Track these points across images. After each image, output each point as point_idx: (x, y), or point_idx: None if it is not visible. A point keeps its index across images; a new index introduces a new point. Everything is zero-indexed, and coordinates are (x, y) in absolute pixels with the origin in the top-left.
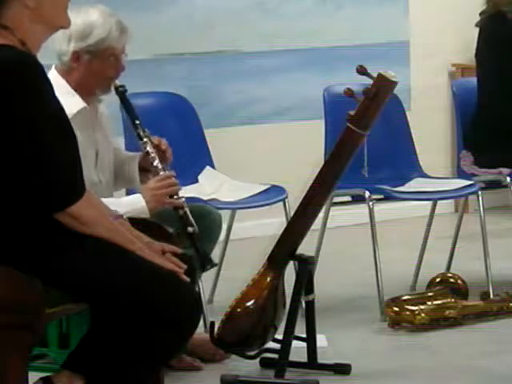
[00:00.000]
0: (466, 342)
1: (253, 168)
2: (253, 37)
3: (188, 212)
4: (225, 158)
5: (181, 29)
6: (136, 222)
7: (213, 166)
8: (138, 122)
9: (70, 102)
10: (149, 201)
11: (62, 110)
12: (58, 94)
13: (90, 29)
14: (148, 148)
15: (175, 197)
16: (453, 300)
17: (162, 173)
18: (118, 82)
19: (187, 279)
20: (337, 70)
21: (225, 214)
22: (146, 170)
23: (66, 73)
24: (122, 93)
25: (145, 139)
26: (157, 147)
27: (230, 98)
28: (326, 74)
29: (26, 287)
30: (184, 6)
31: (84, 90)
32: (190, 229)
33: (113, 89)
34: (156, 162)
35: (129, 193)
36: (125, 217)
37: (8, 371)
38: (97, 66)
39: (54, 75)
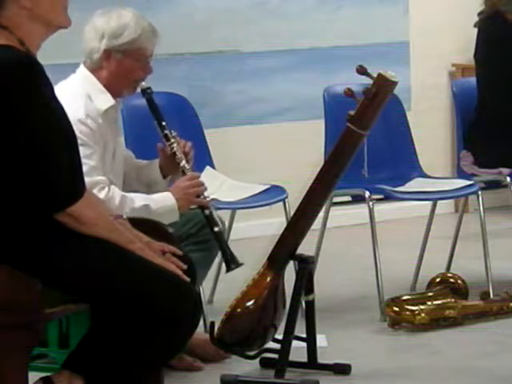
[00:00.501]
0: (466, 342)
1: (253, 168)
2: (253, 37)
3: (213, 212)
4: (225, 158)
5: (181, 29)
6: (136, 222)
7: (213, 166)
8: (164, 123)
9: (102, 98)
10: (179, 199)
11: (62, 109)
12: (89, 89)
13: (123, 29)
14: (175, 149)
15: (201, 197)
16: (453, 300)
17: (189, 173)
18: (144, 84)
19: (187, 279)
20: (337, 69)
21: (225, 214)
22: (167, 175)
23: (94, 71)
24: (149, 94)
25: (172, 140)
26: (183, 148)
27: (230, 98)
28: (326, 74)
29: (26, 287)
30: (184, 6)
31: (112, 88)
32: (215, 228)
33: (139, 90)
34: (183, 163)
35: None
36: (158, 211)
37: (8, 371)
38: (127, 66)
39: (83, 72)
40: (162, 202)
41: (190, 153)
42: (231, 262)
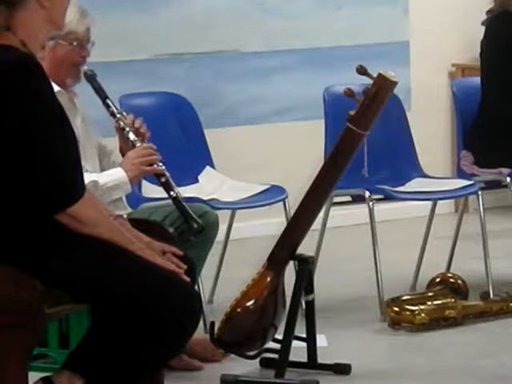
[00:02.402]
0: (466, 341)
1: (253, 168)
2: (253, 37)
3: (170, 179)
4: (225, 158)
5: (181, 29)
6: (136, 222)
7: (213, 166)
8: (108, 101)
9: None
10: (129, 170)
11: (61, 110)
12: None
13: None
14: (122, 124)
15: (155, 165)
16: (453, 300)
17: (138, 144)
18: (86, 68)
19: (187, 279)
20: (337, 70)
21: (225, 214)
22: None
23: None
24: (90, 76)
25: (118, 115)
26: (132, 124)
27: (230, 98)
28: (326, 74)
29: (26, 287)
30: (184, 6)
31: (54, 78)
32: (172, 193)
33: (83, 76)
34: (132, 136)
35: (130, 203)
36: (107, 185)
37: (8, 371)
38: (60, 52)
39: None
40: (110, 176)
41: (141, 127)
42: (193, 224)
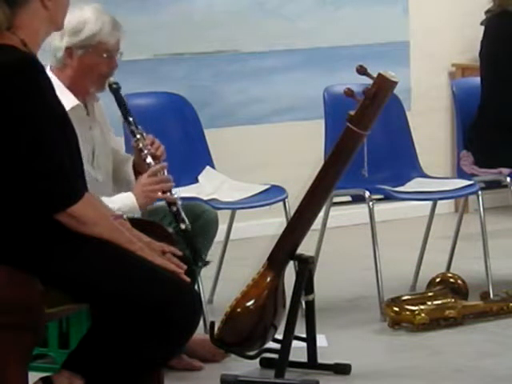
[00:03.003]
0: (466, 342)
1: (253, 168)
2: (253, 37)
3: (181, 209)
4: (225, 158)
5: (181, 29)
6: (136, 222)
7: (213, 166)
8: (131, 119)
9: (64, 100)
10: (139, 196)
11: (63, 109)
12: None
13: (83, 24)
14: (141, 145)
15: (168, 194)
16: (453, 300)
17: (152, 168)
18: (112, 79)
19: (187, 279)
20: (337, 70)
21: (225, 214)
22: (141, 172)
23: (59, 70)
24: (115, 90)
25: (138, 136)
26: (150, 145)
27: (230, 98)
28: (326, 74)
29: (26, 287)
30: (184, 6)
31: (78, 86)
32: (182, 225)
33: (107, 87)
34: (149, 160)
35: None
36: (124, 216)
37: (8, 371)
38: (89, 62)
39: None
40: (121, 202)
41: (157, 150)
42: (198, 260)
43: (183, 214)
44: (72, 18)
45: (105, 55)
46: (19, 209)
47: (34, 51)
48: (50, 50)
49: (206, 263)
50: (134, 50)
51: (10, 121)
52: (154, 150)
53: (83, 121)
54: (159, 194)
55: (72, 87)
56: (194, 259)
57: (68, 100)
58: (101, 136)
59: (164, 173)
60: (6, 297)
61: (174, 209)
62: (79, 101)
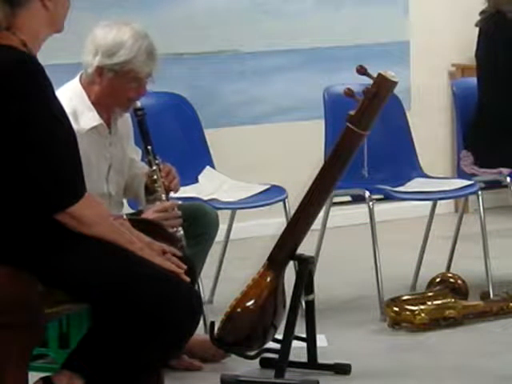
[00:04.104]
0: (466, 341)
1: (253, 168)
2: (253, 37)
3: (185, 247)
4: (225, 158)
5: (181, 29)
6: (136, 222)
7: (213, 166)
8: (150, 147)
9: (87, 116)
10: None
11: (62, 110)
12: (76, 106)
13: (118, 48)
14: (155, 176)
15: (175, 229)
16: (453, 300)
17: (164, 203)
18: (138, 104)
19: (187, 279)
20: (337, 70)
21: (225, 214)
22: (151, 191)
23: (87, 84)
24: (140, 116)
25: (154, 167)
26: (165, 176)
27: (230, 98)
28: (326, 74)
29: (26, 287)
30: (184, 6)
31: (103, 105)
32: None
33: (132, 111)
34: (160, 192)
35: (130, 202)
36: (124, 216)
37: (8, 371)
38: (118, 86)
39: (75, 86)
40: None
41: (173, 181)
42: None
43: (186, 250)
44: (109, 37)
45: (134, 81)
46: (19, 209)
47: (34, 52)
48: (83, 61)
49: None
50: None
51: (9, 121)
52: (168, 182)
53: (103, 139)
54: None
55: (97, 104)
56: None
57: (90, 118)
58: (121, 151)
59: (174, 209)
60: (6, 297)
61: (179, 246)
62: (102, 118)
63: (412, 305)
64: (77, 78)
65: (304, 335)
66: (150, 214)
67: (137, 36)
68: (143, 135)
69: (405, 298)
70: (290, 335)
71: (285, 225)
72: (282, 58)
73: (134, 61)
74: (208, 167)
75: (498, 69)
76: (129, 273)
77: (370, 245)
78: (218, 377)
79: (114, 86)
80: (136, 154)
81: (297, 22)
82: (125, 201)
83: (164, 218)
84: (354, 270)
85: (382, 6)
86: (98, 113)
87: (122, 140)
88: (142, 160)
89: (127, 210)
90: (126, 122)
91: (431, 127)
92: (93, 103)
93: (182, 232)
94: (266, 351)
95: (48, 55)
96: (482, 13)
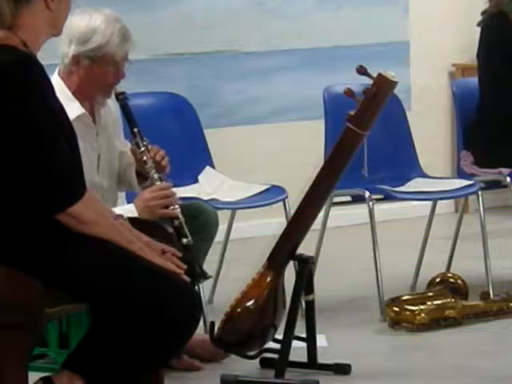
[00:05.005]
0: (466, 341)
1: (253, 168)
2: (253, 37)
3: (183, 223)
4: (225, 158)
5: (181, 29)
6: (136, 222)
7: (213, 166)
8: (136, 130)
9: (70, 107)
10: (141, 211)
11: (62, 110)
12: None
13: (91, 34)
14: (145, 158)
15: (171, 207)
16: (453, 300)
17: (157, 183)
18: (119, 89)
19: (187, 279)
20: (337, 70)
21: (225, 214)
22: (143, 176)
23: (66, 76)
24: (122, 100)
25: (142, 148)
26: (153, 157)
27: (230, 98)
28: (326, 74)
29: (26, 287)
30: (184, 6)
31: (84, 94)
32: (184, 240)
33: (114, 96)
34: (152, 172)
35: (128, 195)
36: (124, 216)
37: (8, 371)
38: (96, 72)
39: (55, 78)
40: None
41: (162, 161)
42: (200, 277)
43: (186, 229)
44: (81, 24)
45: (111, 67)
46: (19, 209)
47: (34, 52)
48: (60, 54)
49: (208, 277)
50: (134, 50)
51: (9, 121)
52: (160, 158)
53: (89, 129)
54: (161, 210)
55: (78, 94)
56: (194, 276)
57: (73, 108)
58: (107, 142)
59: (169, 188)
60: (6, 297)
61: (176, 223)
62: (85, 108)
63: (412, 305)
64: (55, 73)
65: (304, 335)
66: (146, 194)
67: (108, 20)
68: (128, 118)
69: (405, 297)
70: (289, 335)
71: (285, 225)
72: (282, 58)
73: (108, 45)
74: (208, 167)
75: (499, 69)
76: (129, 273)
77: (370, 245)
78: (218, 377)
79: (92, 73)
80: (126, 147)
81: (297, 22)
82: (124, 197)
83: (160, 197)
84: (354, 270)
85: (382, 6)
86: (81, 103)
87: (108, 130)
88: (131, 144)
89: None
90: (110, 114)
91: (431, 127)
92: (74, 94)
93: (179, 209)
94: (266, 351)
95: (48, 55)
96: (483, 13)
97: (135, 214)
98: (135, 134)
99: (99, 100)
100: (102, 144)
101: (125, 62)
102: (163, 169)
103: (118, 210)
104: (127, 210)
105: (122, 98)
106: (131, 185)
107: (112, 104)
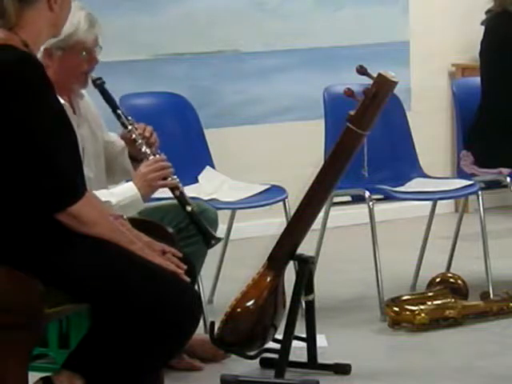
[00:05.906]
0: (466, 342)
1: (253, 168)
2: (253, 37)
3: (184, 191)
4: (225, 158)
5: (181, 29)
6: (136, 222)
7: (213, 166)
8: (119, 111)
9: None
10: (141, 187)
11: (62, 110)
12: None
13: None
14: (134, 136)
15: (169, 179)
16: (453, 300)
17: (151, 157)
18: (94, 75)
19: (187, 279)
20: (337, 70)
21: (225, 214)
22: (137, 160)
23: None
24: (100, 85)
25: (129, 127)
26: (142, 134)
27: (230, 98)
28: (326, 74)
29: (26, 287)
30: (184, 6)
31: (61, 86)
32: (188, 207)
33: (90, 82)
34: (144, 148)
35: None
36: (124, 216)
37: (8, 371)
38: (69, 61)
39: None
40: (123, 195)
41: (151, 137)
42: (211, 239)
43: (187, 197)
44: None
45: (84, 53)
46: (19, 209)
47: (35, 52)
48: None
49: (218, 240)
50: (134, 50)
51: (9, 121)
52: (148, 133)
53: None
54: (160, 182)
55: (56, 86)
56: (206, 239)
57: None
58: (90, 133)
59: (164, 160)
60: (6, 297)
61: (178, 193)
62: (64, 100)
63: (412, 305)
64: None
65: (304, 335)
66: (142, 168)
67: (73, 9)
68: (108, 102)
69: (405, 297)
70: (289, 335)
71: (285, 225)
72: (282, 58)
73: (77, 32)
74: (208, 167)
75: (502, 68)
76: (129, 273)
77: (370, 245)
78: (218, 377)
79: (66, 63)
80: (115, 139)
81: (297, 22)
82: None
83: (157, 169)
84: (354, 270)
85: (382, 6)
86: (59, 95)
87: (89, 121)
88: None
89: None
90: (89, 108)
91: (431, 127)
92: None
93: (178, 179)
94: (266, 351)
95: None
96: (487, 12)
97: (135, 191)
98: (119, 115)
99: (76, 90)
100: (84, 136)
101: (96, 47)
102: (153, 144)
103: (116, 191)
104: (126, 188)
105: (99, 84)
106: (125, 169)
107: (91, 102)
